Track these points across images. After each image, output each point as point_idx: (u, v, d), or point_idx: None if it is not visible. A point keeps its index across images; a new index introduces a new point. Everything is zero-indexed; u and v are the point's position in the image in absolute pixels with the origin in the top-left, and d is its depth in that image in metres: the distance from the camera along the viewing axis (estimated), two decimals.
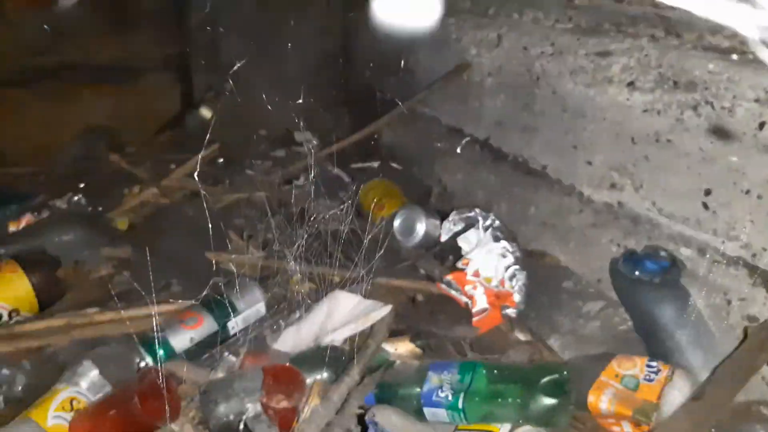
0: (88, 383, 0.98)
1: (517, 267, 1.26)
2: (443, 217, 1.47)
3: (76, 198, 1.56)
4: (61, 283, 1.29)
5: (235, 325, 1.19)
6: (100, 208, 1.57)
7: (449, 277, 1.29)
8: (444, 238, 1.41)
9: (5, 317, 1.17)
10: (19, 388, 1.02)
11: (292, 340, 1.14)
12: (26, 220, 1.49)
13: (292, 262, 1.36)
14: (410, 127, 2.03)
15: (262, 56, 2.13)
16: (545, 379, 0.91)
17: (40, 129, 1.88)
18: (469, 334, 1.19)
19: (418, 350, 1.11)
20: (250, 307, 1.22)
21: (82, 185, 1.60)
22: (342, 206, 1.48)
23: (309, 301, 1.28)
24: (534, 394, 0.89)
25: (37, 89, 1.91)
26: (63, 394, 0.94)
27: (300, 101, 2.15)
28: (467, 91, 1.73)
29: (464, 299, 1.27)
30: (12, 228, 1.48)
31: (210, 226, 1.26)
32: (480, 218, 1.36)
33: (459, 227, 1.39)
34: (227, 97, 2.22)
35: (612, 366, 1.03)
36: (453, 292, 1.29)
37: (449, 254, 1.39)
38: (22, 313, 1.20)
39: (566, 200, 1.43)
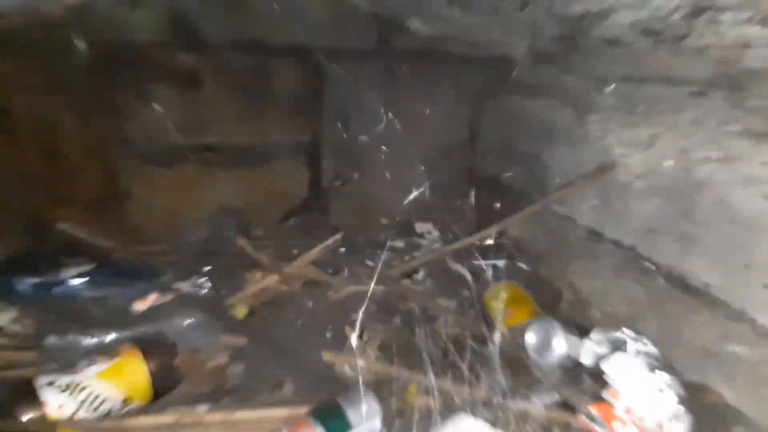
0: None
1: (680, 407, 1.06)
2: (583, 331, 1.31)
3: (200, 281, 1.56)
4: (177, 373, 1.25)
5: None
6: (223, 293, 1.56)
7: (593, 409, 1.12)
8: (586, 360, 1.23)
9: (117, 407, 1.14)
10: None
11: None
12: (152, 299, 1.50)
13: (408, 371, 1.26)
14: (542, 225, 1.90)
15: (389, 142, 2.13)
16: None
17: (175, 208, 1.95)
18: None
19: None
20: (366, 422, 1.11)
21: (207, 268, 1.60)
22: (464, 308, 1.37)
23: (429, 422, 1.15)
24: None
25: (176, 169, 2.00)
26: None
27: (422, 189, 2.11)
28: (611, 193, 1.58)
29: None
30: (137, 306, 1.49)
31: (328, 323, 1.19)
32: (629, 340, 1.18)
33: (604, 349, 1.21)
34: (352, 184, 2.24)
35: None
36: (597, 428, 1.10)
37: (593, 380, 1.21)
38: (134, 402, 1.16)
39: (734, 327, 1.21)
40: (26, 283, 1.55)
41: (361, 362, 1.28)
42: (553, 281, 1.81)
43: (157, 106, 1.91)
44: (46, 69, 1.77)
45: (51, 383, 1.12)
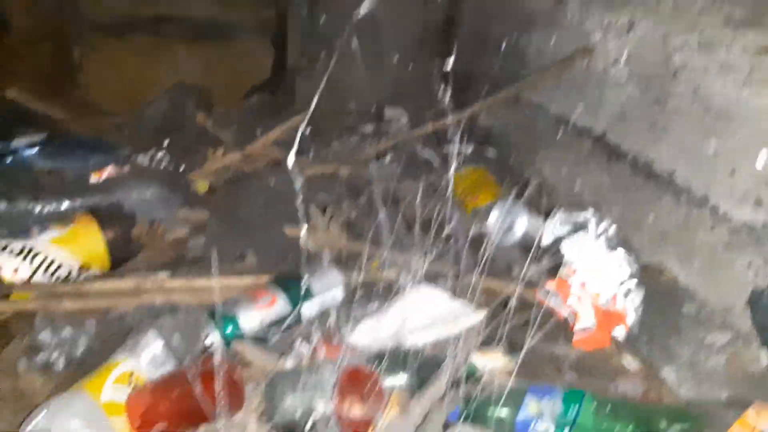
0: (150, 357, 0.90)
1: (633, 283, 1.09)
2: (546, 214, 1.32)
3: (159, 155, 1.51)
4: (135, 243, 1.23)
5: (309, 310, 1.09)
6: (182, 168, 1.51)
7: (550, 286, 1.14)
8: (546, 240, 1.25)
9: (74, 273, 1.12)
10: (80, 350, 0.96)
11: (369, 335, 1.03)
12: (108, 171, 1.45)
13: (371, 246, 1.26)
14: (512, 113, 1.87)
15: (361, 27, 2.02)
16: (673, 427, 0.75)
17: (132, 81, 1.85)
18: (570, 354, 1.04)
19: (510, 365, 0.97)
20: (327, 291, 1.12)
21: (166, 142, 1.54)
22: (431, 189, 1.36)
23: (390, 293, 1.17)
24: None
25: (132, 41, 1.87)
26: (122, 366, 0.86)
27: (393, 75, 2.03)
28: (586, 80, 1.54)
29: (565, 313, 1.11)
30: (94, 178, 1.44)
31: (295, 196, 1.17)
32: (592, 221, 1.19)
33: (566, 228, 1.23)
34: (320, 67, 2.15)
35: (747, 416, 0.86)
36: (553, 303, 1.14)
37: (550, 259, 1.23)
38: (92, 269, 1.14)
39: (696, 213, 1.23)
40: None
41: (324, 237, 1.28)
42: (521, 168, 1.81)
43: None
44: None
45: (4, 248, 1.09)
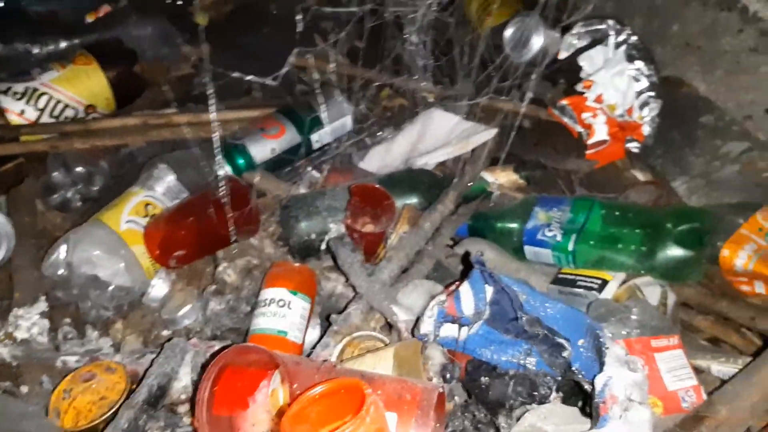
0: (163, 188, 0.92)
1: (651, 94, 1.05)
2: (565, 29, 1.24)
3: None
4: (139, 80, 1.21)
5: (319, 138, 1.08)
6: (180, 1, 1.43)
7: (564, 102, 1.11)
8: (563, 54, 1.19)
9: (80, 112, 1.11)
10: (96, 187, 0.99)
11: (380, 159, 1.03)
12: (104, 10, 1.38)
13: (378, 73, 1.22)
14: None
15: None
16: (680, 227, 0.75)
17: None
18: (582, 168, 1.03)
19: (521, 182, 0.98)
20: (336, 120, 1.10)
21: None
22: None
23: (401, 119, 1.15)
24: (663, 242, 0.75)
25: None
26: (137, 197, 0.88)
27: None
28: None
29: (579, 129, 1.09)
30: (89, 19, 1.38)
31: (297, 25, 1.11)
32: (612, 32, 1.12)
33: (584, 42, 1.16)
34: None
35: (756, 218, 0.86)
36: (566, 120, 1.11)
37: (565, 75, 1.18)
38: (98, 109, 1.13)
39: (723, 16, 1.15)
40: None
41: (331, 66, 1.23)
42: None
43: None
44: None
45: (7, 91, 1.08)
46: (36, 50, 1.21)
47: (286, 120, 1.07)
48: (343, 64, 1.30)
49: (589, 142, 1.06)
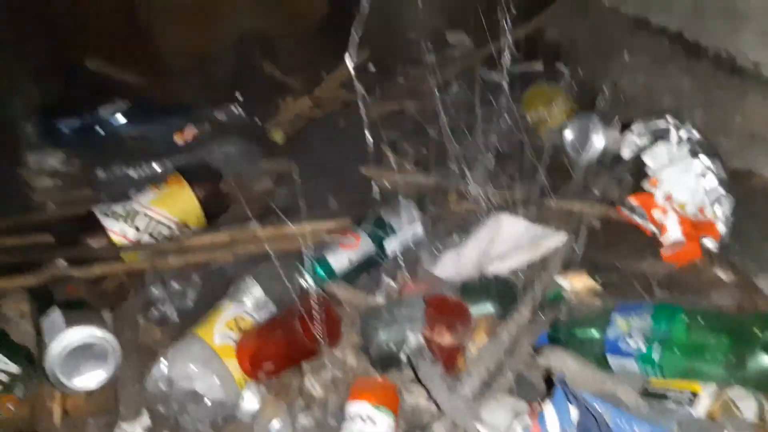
0: (252, 301, 0.98)
1: (721, 190, 1.05)
2: (624, 127, 1.27)
3: (233, 109, 1.56)
4: (225, 196, 1.30)
5: (392, 246, 1.13)
6: (257, 119, 1.56)
7: (633, 201, 1.12)
8: (626, 153, 1.22)
9: (175, 231, 1.21)
10: (190, 302, 1.06)
11: (452, 266, 1.06)
12: (190, 132, 1.52)
13: (446, 180, 1.27)
14: (581, 21, 1.77)
15: None
16: None
17: (197, 37, 1.89)
18: (659, 270, 1.02)
19: (597, 287, 0.98)
20: (407, 227, 1.15)
21: (238, 95, 1.59)
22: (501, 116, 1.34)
23: (469, 224, 1.19)
24: (752, 350, 0.73)
25: None
26: (228, 312, 0.94)
27: None
28: None
29: (652, 228, 1.09)
30: (177, 140, 1.52)
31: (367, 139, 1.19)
32: (673, 129, 1.15)
33: (645, 140, 1.19)
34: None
35: None
36: (637, 219, 1.12)
37: (632, 173, 1.20)
38: (189, 226, 1.23)
39: None
40: (69, 125, 1.58)
41: (399, 175, 1.30)
42: (595, 81, 1.74)
43: None
44: None
45: (109, 214, 1.19)
46: (133, 173, 1.34)
47: (360, 231, 1.13)
48: (411, 172, 1.36)
49: (663, 241, 1.06)
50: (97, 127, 1.57)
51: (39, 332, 0.95)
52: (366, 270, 1.11)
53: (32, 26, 1.73)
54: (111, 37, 1.87)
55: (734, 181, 1.16)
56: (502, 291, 0.95)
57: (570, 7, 1.66)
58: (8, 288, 1.08)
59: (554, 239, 1.02)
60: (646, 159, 1.17)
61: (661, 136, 1.17)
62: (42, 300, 1.00)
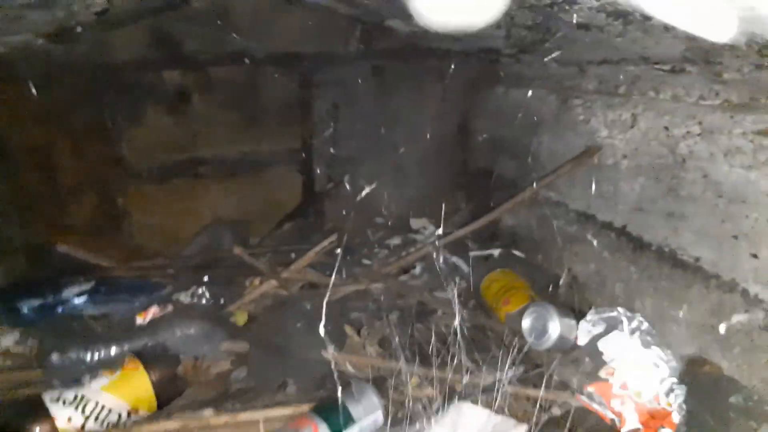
0: None
1: (674, 380, 1.07)
2: (578, 315, 1.32)
3: (200, 291, 1.59)
4: (180, 381, 1.27)
5: None
6: (222, 301, 1.58)
7: (591, 389, 1.13)
8: (582, 341, 1.25)
9: (124, 416, 1.16)
10: None
11: None
12: (152, 312, 1.52)
13: (407, 364, 1.27)
14: (534, 213, 1.91)
15: (380, 144, 2.15)
16: None
17: (173, 222, 1.98)
18: None
19: None
20: (368, 416, 1.13)
21: (206, 278, 1.62)
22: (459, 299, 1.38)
23: (430, 411, 1.17)
24: None
25: (171, 184, 2.02)
26: None
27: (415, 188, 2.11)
28: (599, 175, 1.59)
29: (610, 415, 1.09)
30: (139, 320, 1.51)
31: (323, 322, 1.21)
32: (624, 319, 1.20)
33: (599, 329, 1.23)
34: (344, 187, 2.26)
35: None
36: (596, 407, 1.12)
37: (590, 358, 1.22)
38: (140, 412, 1.18)
39: (727, 298, 1.22)
40: (30, 305, 1.57)
41: (360, 359, 1.30)
42: (549, 267, 1.83)
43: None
44: (35, 99, 1.79)
45: (58, 399, 1.15)
46: (89, 356, 1.31)
47: (319, 419, 1.09)
48: (372, 355, 1.37)
49: (623, 430, 1.05)
50: (59, 307, 1.56)
51: None
52: None
53: (3, 205, 1.80)
54: (85, 222, 1.95)
55: (688, 369, 1.19)
56: None
57: (524, 200, 1.80)
58: None
59: (514, 431, 1.01)
60: (602, 347, 1.20)
61: (614, 325, 1.22)
62: None
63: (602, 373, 1.14)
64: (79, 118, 1.89)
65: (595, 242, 1.62)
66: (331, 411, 1.11)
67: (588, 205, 1.67)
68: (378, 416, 1.14)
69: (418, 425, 1.13)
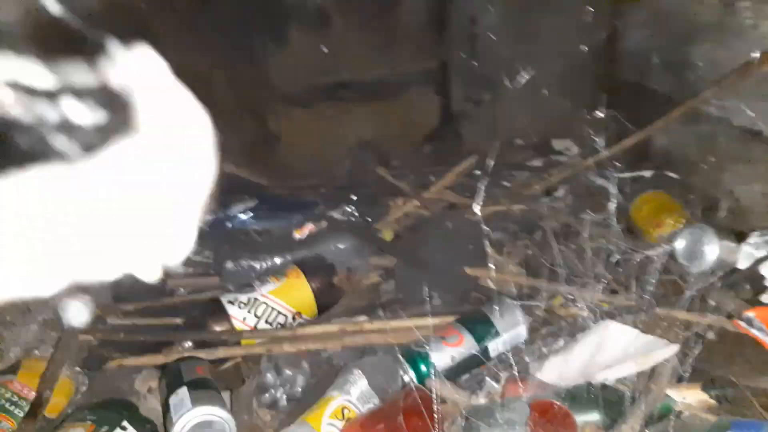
0: (357, 393, 1.02)
1: None
2: (740, 237, 1.24)
3: (349, 209, 1.68)
4: (336, 290, 1.39)
5: (495, 347, 1.15)
6: (369, 219, 1.67)
7: (751, 314, 1.08)
8: (742, 264, 1.18)
9: (290, 319, 1.30)
10: (299, 388, 1.12)
11: (557, 371, 1.06)
12: (308, 228, 1.65)
13: (550, 283, 1.28)
14: (691, 130, 1.77)
15: (521, 61, 2.07)
16: None
17: (320, 144, 2.09)
18: None
19: (711, 401, 0.94)
20: (512, 329, 1.17)
21: (353, 197, 1.71)
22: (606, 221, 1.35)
23: (575, 328, 1.18)
24: None
25: (317, 108, 2.12)
26: (335, 402, 0.99)
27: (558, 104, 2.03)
28: None
29: None
30: (296, 235, 1.65)
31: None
32: None
33: (764, 251, 1.15)
34: (483, 107, 2.23)
35: None
36: (756, 332, 1.07)
37: (748, 284, 1.16)
38: (303, 316, 1.31)
39: None
40: (204, 220, 1.77)
41: (503, 275, 1.33)
42: (707, 189, 1.71)
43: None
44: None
45: (233, 301, 1.30)
46: (257, 265, 1.46)
47: (464, 329, 1.15)
48: (516, 274, 1.39)
49: None
50: (227, 223, 1.74)
51: (166, 408, 1.05)
52: (468, 369, 1.13)
53: None
54: (244, 145, 2.10)
55: None
56: (610, 400, 0.93)
57: (680, 116, 1.67)
58: (141, 365, 1.20)
59: (665, 350, 1.00)
60: (764, 271, 1.13)
61: None
62: (172, 378, 1.10)
63: (765, 298, 1.08)
64: (229, 45, 2.01)
65: (761, 161, 1.48)
66: (476, 322, 1.16)
67: (754, 120, 1.52)
68: (521, 330, 1.17)
69: (562, 341, 1.16)
